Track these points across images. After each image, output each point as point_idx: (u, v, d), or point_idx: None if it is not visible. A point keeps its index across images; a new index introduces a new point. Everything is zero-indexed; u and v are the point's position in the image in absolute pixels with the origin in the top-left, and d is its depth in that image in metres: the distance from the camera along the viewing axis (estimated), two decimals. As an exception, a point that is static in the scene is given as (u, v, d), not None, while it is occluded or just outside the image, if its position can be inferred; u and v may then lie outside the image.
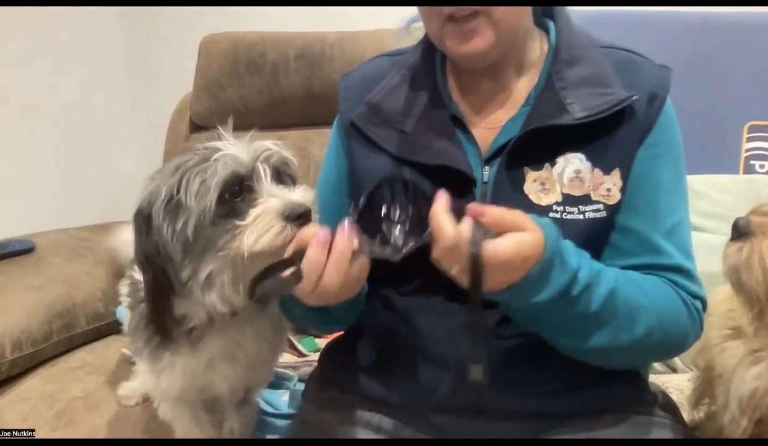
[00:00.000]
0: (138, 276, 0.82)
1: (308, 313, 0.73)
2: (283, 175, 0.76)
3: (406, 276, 0.77)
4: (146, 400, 1.14)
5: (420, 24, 0.86)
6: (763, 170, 1.38)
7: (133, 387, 1.16)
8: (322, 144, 1.57)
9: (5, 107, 1.77)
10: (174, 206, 0.70)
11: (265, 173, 0.71)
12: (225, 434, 1.02)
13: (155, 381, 0.87)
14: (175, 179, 0.71)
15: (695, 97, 1.37)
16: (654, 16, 1.43)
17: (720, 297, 0.85)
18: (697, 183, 1.32)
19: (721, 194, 1.31)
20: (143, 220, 0.72)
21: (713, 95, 1.39)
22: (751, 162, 1.39)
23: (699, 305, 0.75)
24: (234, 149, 0.71)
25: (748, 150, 1.39)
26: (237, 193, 0.70)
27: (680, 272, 0.74)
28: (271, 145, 0.75)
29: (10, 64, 1.77)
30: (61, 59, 1.92)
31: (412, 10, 0.83)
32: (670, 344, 0.74)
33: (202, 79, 1.71)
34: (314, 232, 0.63)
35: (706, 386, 0.90)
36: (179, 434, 0.97)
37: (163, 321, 0.75)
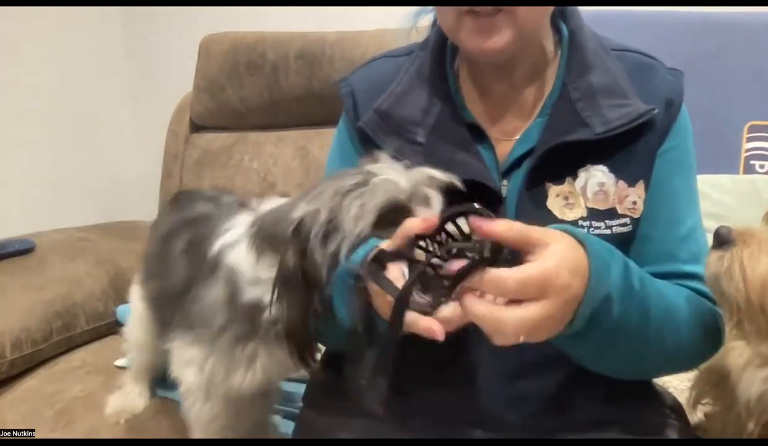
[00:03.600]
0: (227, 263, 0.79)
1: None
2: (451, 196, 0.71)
3: None
4: (136, 415, 1.13)
5: (428, 16, 0.83)
6: (763, 170, 1.38)
7: (121, 403, 1.14)
8: (322, 144, 1.57)
9: (5, 107, 1.77)
10: (331, 229, 0.68)
11: (433, 198, 0.68)
12: (252, 422, 1.00)
13: (220, 374, 0.83)
14: (335, 203, 0.68)
15: (695, 97, 1.35)
16: (654, 16, 1.43)
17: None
18: (697, 183, 1.32)
19: (721, 194, 1.31)
20: (298, 244, 0.69)
21: (713, 95, 1.39)
22: (751, 162, 1.39)
23: (720, 311, 0.73)
24: (393, 174, 0.69)
25: (748, 150, 1.39)
26: (395, 221, 0.66)
27: (697, 279, 0.73)
28: (435, 172, 0.70)
29: (9, 64, 1.77)
30: (61, 59, 1.92)
31: (414, 8, 0.81)
32: (705, 348, 0.73)
33: (202, 79, 1.71)
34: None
35: (707, 386, 0.89)
36: (198, 420, 0.92)
37: (303, 344, 0.72)
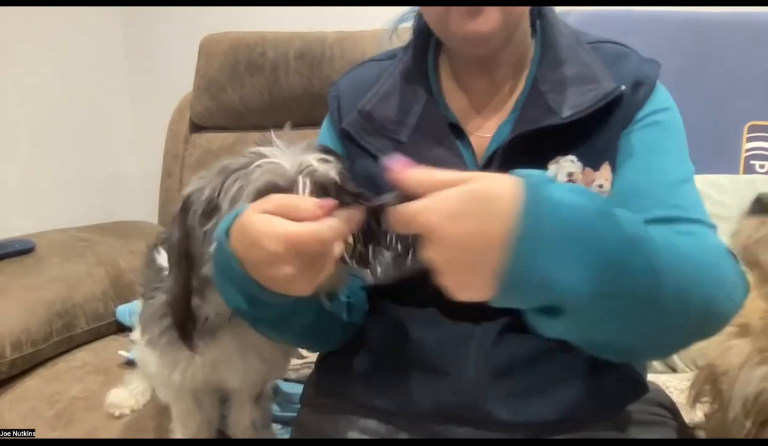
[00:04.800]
0: (161, 263, 0.82)
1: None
2: (329, 194, 0.70)
3: (402, 287, 0.74)
4: (134, 411, 1.14)
5: (408, 24, 0.85)
6: (763, 170, 1.38)
7: (122, 397, 1.14)
8: (322, 144, 1.58)
9: (5, 107, 1.77)
10: (212, 208, 0.69)
11: (304, 187, 0.67)
12: (244, 426, 1.01)
13: (166, 373, 0.87)
14: (218, 181, 0.69)
15: (695, 97, 1.37)
16: (654, 16, 1.43)
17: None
18: (697, 183, 1.32)
19: (721, 194, 1.31)
20: (182, 217, 0.71)
21: (713, 95, 1.39)
22: (751, 162, 1.39)
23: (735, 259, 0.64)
24: (278, 158, 0.68)
25: (748, 150, 1.39)
26: None
27: (697, 222, 0.67)
28: (318, 160, 0.69)
29: (9, 64, 1.77)
30: (61, 59, 1.92)
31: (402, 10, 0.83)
32: (727, 307, 0.61)
33: (202, 79, 1.71)
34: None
35: (705, 385, 0.90)
36: (177, 414, 0.98)
37: (182, 318, 0.74)
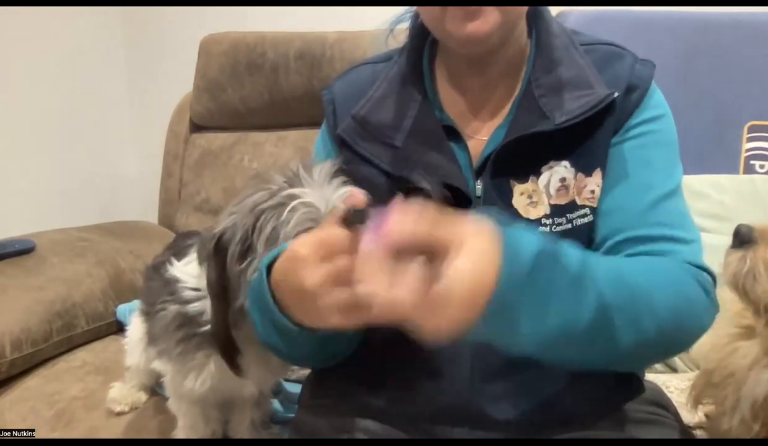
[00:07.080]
0: (173, 274, 0.85)
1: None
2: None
3: None
4: (133, 409, 1.14)
5: (404, 24, 0.84)
6: (763, 170, 1.38)
7: (123, 393, 1.14)
8: (322, 144, 1.57)
9: (5, 107, 1.77)
10: (246, 248, 0.71)
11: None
12: (244, 427, 1.02)
13: (178, 381, 0.88)
14: (250, 220, 0.71)
15: (695, 97, 1.37)
16: (654, 16, 1.43)
17: (731, 295, 0.83)
18: (697, 183, 1.32)
19: (721, 194, 1.31)
20: (219, 253, 0.73)
21: (713, 95, 1.39)
22: (751, 162, 1.39)
23: (705, 276, 0.67)
24: (310, 197, 0.70)
25: (748, 150, 1.39)
26: None
27: (672, 240, 0.69)
28: (341, 204, 0.71)
29: (9, 64, 1.78)
30: (61, 59, 1.92)
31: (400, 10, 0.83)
32: (689, 327, 0.66)
33: (202, 79, 1.71)
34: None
35: (708, 386, 0.89)
36: (182, 427, 0.99)
37: (226, 346, 0.77)
